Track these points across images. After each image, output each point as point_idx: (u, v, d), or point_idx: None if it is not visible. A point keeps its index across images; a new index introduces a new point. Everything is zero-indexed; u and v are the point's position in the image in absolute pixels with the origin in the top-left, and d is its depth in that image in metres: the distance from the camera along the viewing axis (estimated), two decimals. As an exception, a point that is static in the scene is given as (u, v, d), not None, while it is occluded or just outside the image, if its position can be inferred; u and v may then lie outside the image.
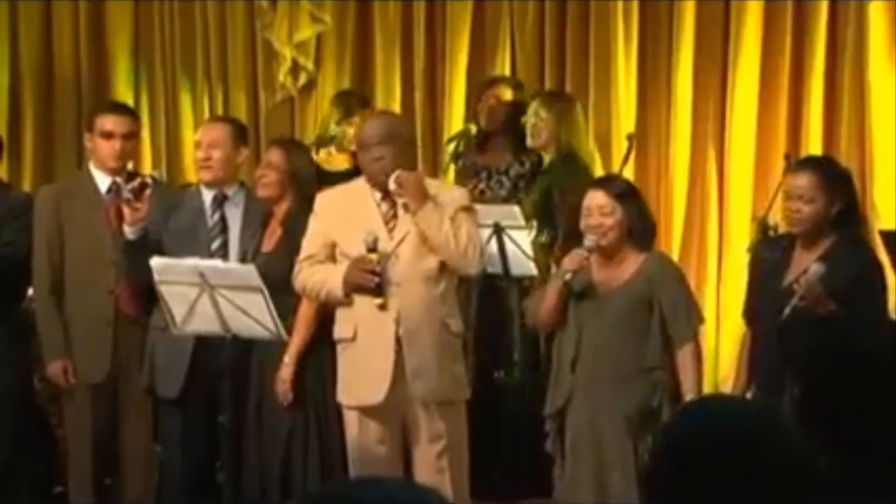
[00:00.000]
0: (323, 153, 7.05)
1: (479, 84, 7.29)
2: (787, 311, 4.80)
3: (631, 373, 5.09)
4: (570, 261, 5.13)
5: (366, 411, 5.33)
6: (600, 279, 5.17)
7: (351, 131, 6.82)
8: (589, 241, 5.09)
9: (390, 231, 5.28)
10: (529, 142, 6.80)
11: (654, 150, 7.32)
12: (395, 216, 5.29)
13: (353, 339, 5.32)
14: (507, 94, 7.04)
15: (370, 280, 5.18)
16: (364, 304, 5.26)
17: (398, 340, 5.24)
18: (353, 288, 5.23)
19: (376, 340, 5.26)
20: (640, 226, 5.15)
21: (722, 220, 7.17)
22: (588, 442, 5.14)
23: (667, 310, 5.08)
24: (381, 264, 5.19)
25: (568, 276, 5.11)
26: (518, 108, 6.93)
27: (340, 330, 5.35)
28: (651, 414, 5.04)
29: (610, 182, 5.44)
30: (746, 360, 5.26)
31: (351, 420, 5.38)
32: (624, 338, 5.11)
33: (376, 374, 5.27)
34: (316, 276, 5.32)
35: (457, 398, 5.35)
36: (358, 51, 7.83)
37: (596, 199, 5.13)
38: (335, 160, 7.04)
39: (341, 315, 5.35)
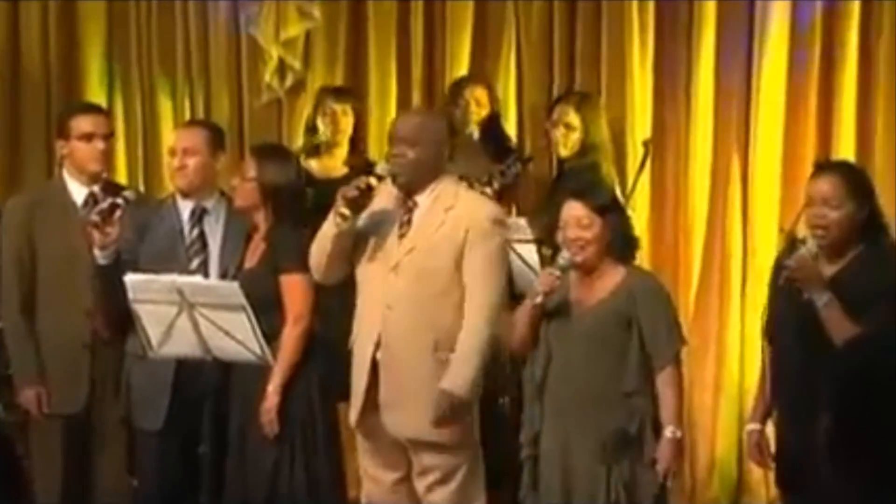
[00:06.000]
0: (315, 163, 7.04)
1: (451, 85, 7.29)
2: (780, 282, 4.85)
3: (607, 397, 5.04)
4: (542, 281, 5.15)
5: (356, 426, 5.38)
6: (577, 297, 5.13)
7: (322, 125, 7.00)
8: (562, 259, 5.10)
9: (401, 237, 5.30)
10: (563, 152, 6.82)
11: (672, 157, 7.29)
12: (409, 222, 5.31)
13: (352, 349, 5.41)
14: (484, 97, 7.08)
15: (351, 189, 5.19)
16: (360, 317, 5.31)
17: (375, 365, 5.25)
18: (342, 199, 5.20)
19: (359, 358, 5.33)
20: (620, 241, 5.14)
21: (746, 232, 7.13)
22: (559, 471, 5.07)
23: (646, 328, 5.05)
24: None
25: (538, 300, 5.12)
26: (495, 113, 7.10)
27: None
28: (629, 442, 5.01)
29: (589, 193, 5.37)
30: (769, 379, 5.09)
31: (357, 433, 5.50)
32: (598, 359, 5.07)
33: (355, 394, 5.34)
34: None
35: (439, 440, 5.25)
36: (350, 49, 7.74)
37: (574, 211, 5.10)
38: (329, 167, 7.03)
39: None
